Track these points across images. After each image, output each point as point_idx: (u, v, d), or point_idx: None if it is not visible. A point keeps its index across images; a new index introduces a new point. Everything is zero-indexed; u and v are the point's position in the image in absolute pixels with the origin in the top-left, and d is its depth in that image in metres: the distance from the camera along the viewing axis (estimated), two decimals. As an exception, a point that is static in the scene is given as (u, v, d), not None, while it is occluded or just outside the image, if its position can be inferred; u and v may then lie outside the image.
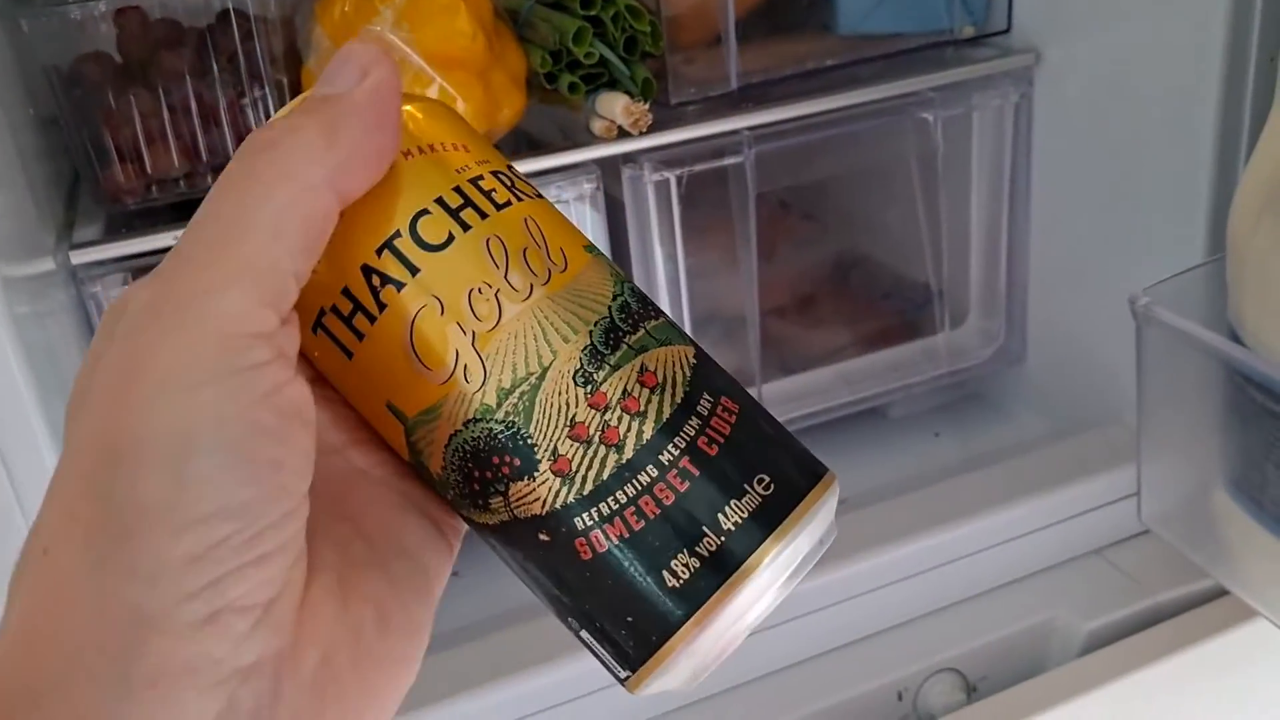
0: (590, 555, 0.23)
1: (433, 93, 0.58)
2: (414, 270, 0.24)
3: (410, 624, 0.25)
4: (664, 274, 0.71)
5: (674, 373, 0.24)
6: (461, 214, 0.24)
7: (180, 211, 0.61)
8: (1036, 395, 0.85)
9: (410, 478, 0.26)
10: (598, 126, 0.65)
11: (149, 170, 0.61)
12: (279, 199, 0.22)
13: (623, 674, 0.24)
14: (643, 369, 0.24)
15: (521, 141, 0.69)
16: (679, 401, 0.24)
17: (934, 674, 0.66)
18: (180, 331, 0.20)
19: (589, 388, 0.23)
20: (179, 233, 0.58)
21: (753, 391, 0.78)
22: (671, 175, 0.68)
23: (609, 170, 0.68)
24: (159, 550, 0.20)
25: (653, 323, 0.25)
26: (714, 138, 0.68)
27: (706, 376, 0.25)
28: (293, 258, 0.22)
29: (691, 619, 0.23)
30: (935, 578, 0.68)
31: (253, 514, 0.20)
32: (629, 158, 0.68)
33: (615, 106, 0.63)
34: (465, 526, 0.27)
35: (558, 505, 0.23)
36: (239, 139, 0.62)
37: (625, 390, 0.24)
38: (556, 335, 0.24)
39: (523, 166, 0.66)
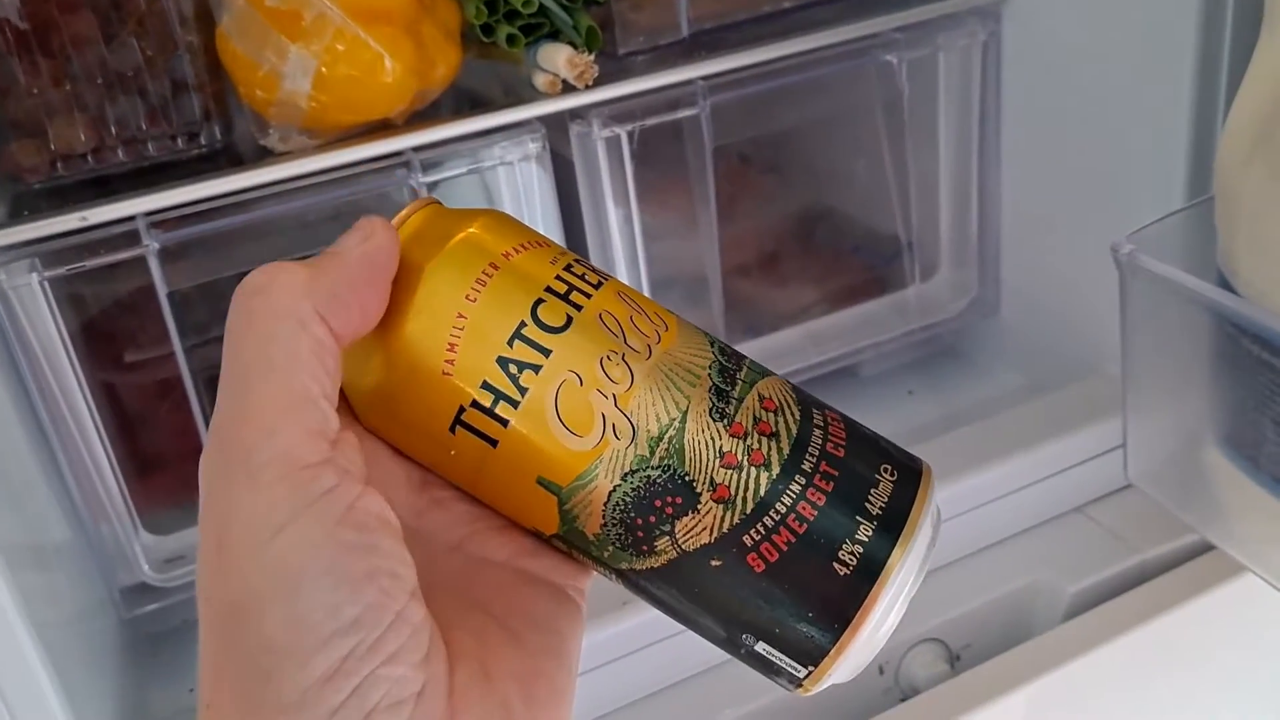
0: (764, 567, 0.26)
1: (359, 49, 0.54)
2: (546, 352, 0.27)
3: (554, 691, 0.27)
4: (619, 236, 0.67)
5: (783, 397, 0.28)
6: (570, 297, 0.27)
7: (90, 189, 0.56)
8: (1012, 348, 0.82)
9: (531, 554, 0.29)
10: (540, 81, 0.60)
11: (53, 145, 0.56)
12: (282, 335, 0.24)
13: (802, 673, 0.27)
14: (761, 397, 0.28)
15: (463, 100, 0.65)
16: (799, 418, 0.28)
17: (915, 645, 0.63)
18: (250, 483, 0.23)
19: (725, 421, 0.27)
20: (89, 212, 0.54)
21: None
22: (622, 131, 0.64)
23: (556, 127, 0.64)
24: (296, 680, 0.22)
25: (747, 360, 0.29)
26: (666, 89, 0.64)
27: (804, 396, 0.29)
28: (318, 382, 0.24)
29: (869, 595, 0.26)
30: (914, 544, 0.65)
31: (366, 624, 0.23)
32: (576, 113, 0.63)
33: (558, 59, 0.59)
34: (589, 583, 0.30)
35: (725, 529, 0.26)
36: (150, 109, 0.57)
37: (755, 417, 0.27)
38: (684, 382, 0.27)
39: (463, 127, 0.62)
